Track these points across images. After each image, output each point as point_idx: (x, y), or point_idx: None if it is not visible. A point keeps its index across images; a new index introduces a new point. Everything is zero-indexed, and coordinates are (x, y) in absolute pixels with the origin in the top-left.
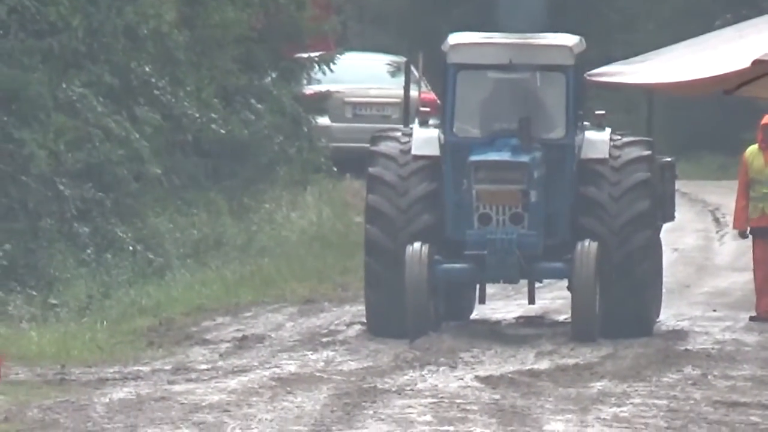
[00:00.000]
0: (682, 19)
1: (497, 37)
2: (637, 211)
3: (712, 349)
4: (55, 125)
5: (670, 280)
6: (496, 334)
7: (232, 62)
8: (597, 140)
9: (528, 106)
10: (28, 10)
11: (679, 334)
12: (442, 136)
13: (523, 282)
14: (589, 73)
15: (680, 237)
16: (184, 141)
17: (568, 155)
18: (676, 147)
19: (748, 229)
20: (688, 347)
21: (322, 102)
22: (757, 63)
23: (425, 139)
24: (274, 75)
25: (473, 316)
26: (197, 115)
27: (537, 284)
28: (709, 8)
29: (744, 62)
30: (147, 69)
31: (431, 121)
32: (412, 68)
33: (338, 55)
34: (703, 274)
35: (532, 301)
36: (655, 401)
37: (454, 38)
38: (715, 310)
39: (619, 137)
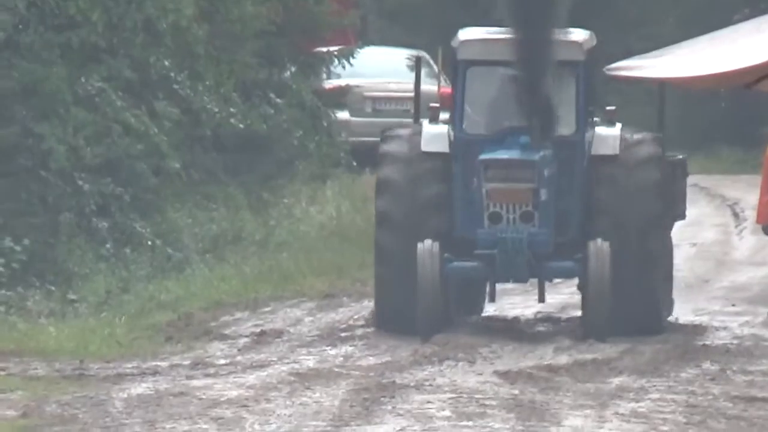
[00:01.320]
0: (701, 13)
1: (507, 33)
2: (649, 213)
3: (731, 344)
4: (74, 120)
5: (689, 274)
6: (514, 329)
7: (252, 56)
8: (608, 136)
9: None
10: (47, 4)
11: (698, 329)
12: (451, 133)
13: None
14: (608, 67)
15: (699, 231)
16: (203, 135)
17: (578, 152)
18: (695, 141)
19: None
20: (707, 342)
21: (342, 96)
22: None
23: (434, 136)
24: (293, 69)
25: (491, 312)
26: (216, 110)
27: (548, 282)
28: (727, 2)
29: (763, 56)
30: (166, 63)
31: (442, 117)
32: (432, 62)
33: (358, 50)
34: (722, 269)
35: (542, 299)
36: (674, 396)
37: (464, 34)
38: (733, 305)
39: (630, 134)
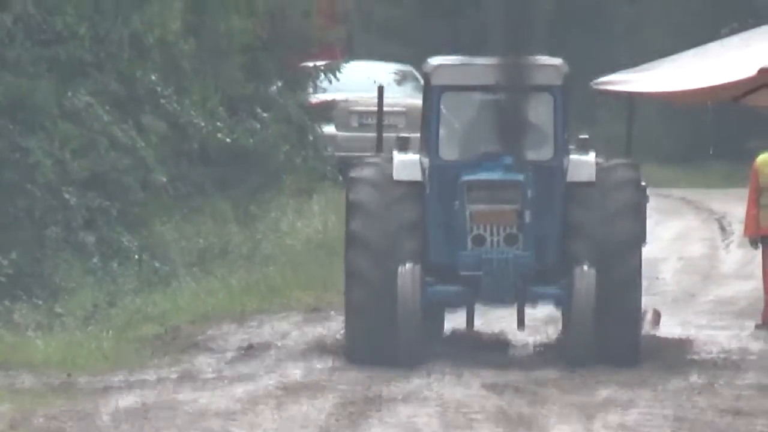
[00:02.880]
0: (689, 27)
1: (482, 59)
2: (627, 235)
3: (718, 357)
4: (61, 134)
5: (676, 288)
6: (500, 342)
7: (238, 71)
8: (583, 163)
9: (516, 128)
10: (34, 18)
11: (685, 343)
12: (425, 160)
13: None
14: (595, 81)
15: (686, 245)
16: (190, 149)
17: (556, 177)
18: (682, 155)
19: (759, 237)
20: (694, 355)
21: (328, 111)
22: (763, 71)
23: (405, 164)
24: (279, 84)
25: (478, 325)
26: (203, 124)
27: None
28: (715, 17)
29: (751, 70)
30: (153, 78)
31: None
32: (418, 76)
33: (344, 64)
34: (709, 283)
35: (521, 326)
36: (661, 409)
37: (437, 59)
38: (720, 318)
39: (605, 159)
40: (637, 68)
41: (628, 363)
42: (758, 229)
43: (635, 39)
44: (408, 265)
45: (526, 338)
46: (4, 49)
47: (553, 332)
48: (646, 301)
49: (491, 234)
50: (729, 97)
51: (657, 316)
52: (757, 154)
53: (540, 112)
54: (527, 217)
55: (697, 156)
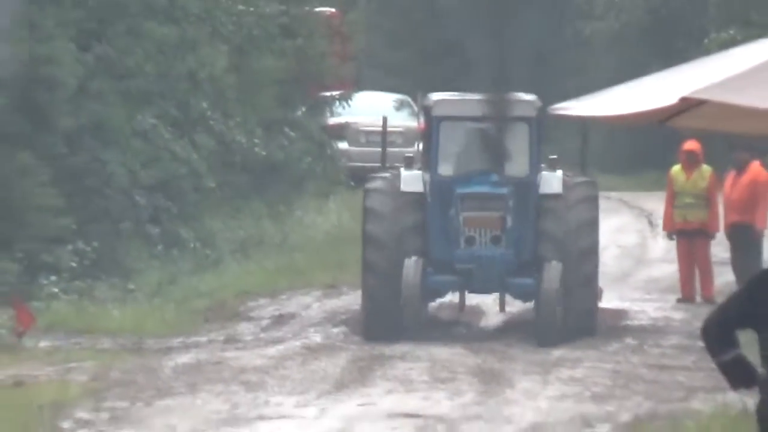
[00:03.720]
0: (624, 66)
1: (473, 94)
2: (585, 245)
3: (647, 324)
4: (132, 149)
5: (615, 270)
6: (482, 315)
7: (271, 99)
8: (552, 179)
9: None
10: (110, 58)
11: (621, 312)
12: (427, 176)
13: None
14: (552, 107)
15: (622, 236)
16: (233, 161)
17: (531, 190)
18: (619, 165)
19: (674, 231)
20: (628, 322)
21: (342, 130)
22: (683, 100)
23: (411, 178)
24: (304, 109)
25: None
26: (243, 141)
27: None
28: (644, 58)
29: (672, 99)
30: (204, 105)
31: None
32: (413, 104)
33: (354, 94)
34: (640, 265)
35: (503, 309)
36: (602, 365)
37: (436, 95)
38: (649, 293)
39: (570, 177)
40: (584, 97)
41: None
42: (673, 225)
43: (582, 76)
44: (413, 258)
45: (502, 317)
46: (88, 82)
47: (522, 314)
48: None
49: (480, 235)
50: (656, 120)
51: (600, 291)
52: (672, 166)
53: (518, 138)
54: (509, 222)
55: (631, 165)
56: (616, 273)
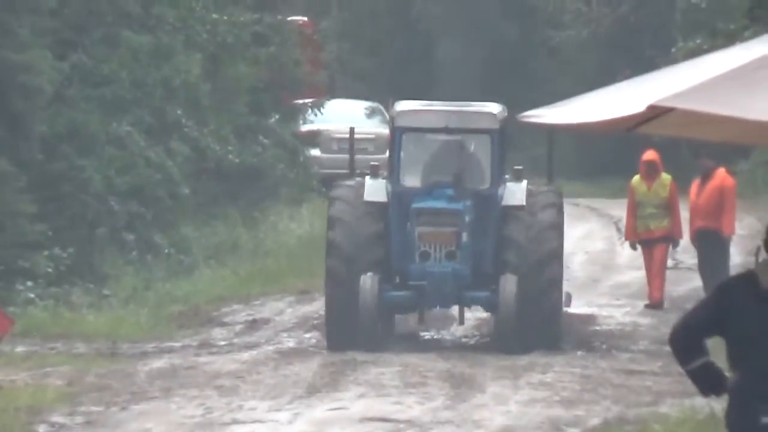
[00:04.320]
0: (592, 74)
1: (436, 105)
2: (549, 249)
3: (615, 329)
4: (107, 155)
5: (583, 275)
6: (452, 320)
7: (245, 107)
8: (516, 190)
9: (460, 163)
10: (86, 66)
11: (590, 318)
12: (389, 186)
13: None
14: (520, 115)
15: (590, 242)
16: (208, 168)
17: (492, 203)
18: (587, 173)
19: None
20: (597, 327)
21: (314, 138)
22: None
23: (374, 188)
24: (277, 116)
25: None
26: (218, 148)
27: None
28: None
29: (640, 107)
30: (179, 112)
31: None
32: (384, 111)
33: (326, 102)
34: (608, 271)
35: (462, 322)
36: (572, 369)
37: (400, 105)
38: (617, 299)
39: (535, 186)
40: (553, 105)
41: (551, 347)
42: (635, 235)
43: (551, 84)
44: (369, 275)
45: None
46: (63, 89)
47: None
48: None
49: (435, 251)
50: (624, 128)
51: (568, 297)
52: (632, 176)
53: (480, 150)
54: (464, 237)
55: (598, 173)
56: (584, 279)
